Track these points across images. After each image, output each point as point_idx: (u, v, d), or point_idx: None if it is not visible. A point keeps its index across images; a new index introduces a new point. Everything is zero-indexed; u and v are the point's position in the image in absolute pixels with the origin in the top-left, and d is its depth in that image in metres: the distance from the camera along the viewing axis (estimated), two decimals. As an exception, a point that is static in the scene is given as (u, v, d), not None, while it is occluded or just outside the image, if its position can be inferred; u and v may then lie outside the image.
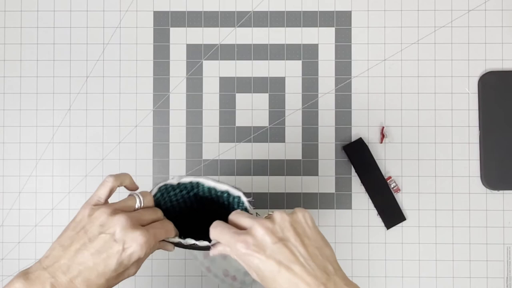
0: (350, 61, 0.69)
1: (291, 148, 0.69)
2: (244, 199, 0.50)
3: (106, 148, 0.69)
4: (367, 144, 0.68)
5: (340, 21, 0.70)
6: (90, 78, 0.70)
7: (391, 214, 0.68)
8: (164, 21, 0.70)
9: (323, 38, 0.69)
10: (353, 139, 0.68)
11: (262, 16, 0.70)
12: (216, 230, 0.46)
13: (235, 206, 0.51)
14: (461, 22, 0.69)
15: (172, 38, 0.70)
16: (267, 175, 0.69)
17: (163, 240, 0.49)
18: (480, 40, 0.69)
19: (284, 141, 0.69)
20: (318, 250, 0.43)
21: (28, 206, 0.69)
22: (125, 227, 0.44)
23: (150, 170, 0.69)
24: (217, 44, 0.70)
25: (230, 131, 0.69)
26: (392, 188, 0.68)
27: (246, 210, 0.50)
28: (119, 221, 0.45)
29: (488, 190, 0.68)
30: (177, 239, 0.49)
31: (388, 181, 0.68)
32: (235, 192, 0.50)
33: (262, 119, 0.69)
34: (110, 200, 0.48)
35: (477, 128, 0.68)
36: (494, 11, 0.69)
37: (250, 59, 0.69)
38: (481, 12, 0.69)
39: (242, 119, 0.69)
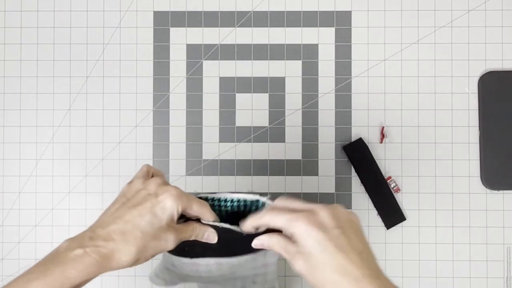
0: (350, 61, 0.69)
1: (291, 148, 0.69)
2: (263, 199, 0.49)
3: (106, 148, 0.69)
4: (367, 144, 0.68)
5: (340, 21, 0.70)
6: (90, 78, 0.70)
7: (391, 214, 0.68)
8: (164, 21, 0.70)
9: (323, 38, 0.69)
10: (353, 139, 0.68)
11: (262, 16, 0.70)
12: (273, 212, 0.46)
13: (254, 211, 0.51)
14: (461, 22, 0.69)
15: (172, 38, 0.70)
16: (267, 175, 0.69)
17: (202, 224, 0.48)
18: (480, 40, 0.69)
19: (284, 141, 0.69)
20: (369, 249, 0.44)
21: (28, 206, 0.69)
22: (159, 183, 0.46)
23: (150, 170, 0.69)
24: (217, 44, 0.70)
25: (230, 131, 0.69)
26: (392, 188, 0.68)
27: (257, 205, 0.50)
28: (155, 180, 0.47)
29: (488, 190, 0.68)
30: (212, 222, 0.47)
31: (388, 181, 0.68)
32: (251, 197, 0.50)
33: (262, 119, 0.69)
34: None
35: (477, 128, 0.68)
36: (494, 11, 0.69)
37: (250, 59, 0.69)
38: (481, 12, 0.69)
39: (242, 119, 0.69)
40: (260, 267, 0.51)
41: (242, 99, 0.69)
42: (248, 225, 0.47)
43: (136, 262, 0.45)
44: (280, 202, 0.47)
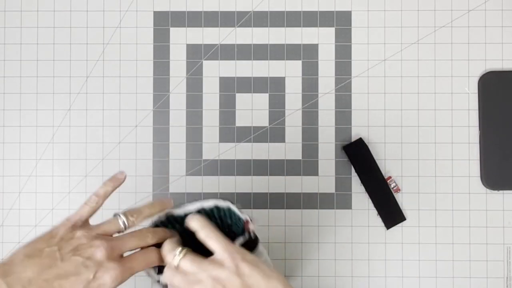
0: (350, 61, 0.69)
1: (291, 148, 0.69)
2: (234, 208, 0.48)
3: (106, 148, 0.69)
4: (367, 144, 0.68)
5: (340, 21, 0.70)
6: (90, 78, 0.70)
7: (391, 214, 0.68)
8: (164, 21, 0.70)
9: (323, 38, 0.69)
10: (353, 139, 0.68)
11: (262, 16, 0.70)
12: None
13: (228, 220, 0.50)
14: (461, 22, 0.69)
15: (172, 38, 0.70)
16: (267, 175, 0.69)
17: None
18: (480, 40, 0.69)
19: (284, 141, 0.69)
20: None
21: (28, 206, 0.69)
22: (100, 255, 0.42)
23: (150, 170, 0.69)
24: (217, 44, 0.70)
25: (230, 131, 0.69)
26: (392, 188, 0.68)
27: (239, 219, 0.48)
28: (97, 247, 0.42)
29: (488, 190, 0.68)
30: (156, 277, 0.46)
31: (388, 181, 0.68)
32: (223, 204, 0.48)
33: (262, 119, 0.69)
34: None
35: (477, 128, 0.68)
36: (494, 11, 0.69)
37: (250, 59, 0.69)
38: (481, 12, 0.69)
39: (242, 119, 0.69)
40: None
41: (242, 99, 0.69)
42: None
43: None
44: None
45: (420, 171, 0.68)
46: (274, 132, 0.69)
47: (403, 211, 0.68)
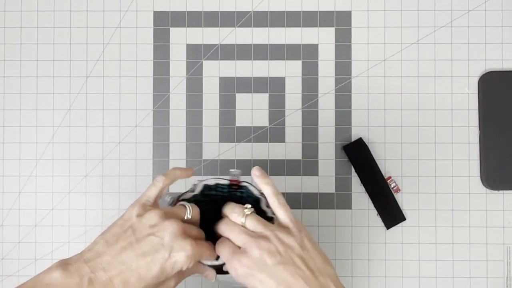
0: (350, 61, 0.69)
1: (291, 148, 0.69)
2: (251, 188, 0.49)
3: (106, 148, 0.69)
4: (367, 144, 0.68)
5: (340, 21, 0.70)
6: (90, 78, 0.70)
7: (391, 214, 0.68)
8: (164, 21, 0.70)
9: (323, 38, 0.69)
10: (353, 139, 0.68)
11: (262, 16, 0.70)
12: (218, 247, 0.45)
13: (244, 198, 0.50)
14: (461, 22, 0.69)
15: (172, 38, 0.70)
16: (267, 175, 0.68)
17: (201, 263, 0.47)
18: (480, 40, 0.69)
19: (284, 141, 0.69)
20: (319, 270, 0.43)
21: (28, 206, 0.69)
22: (176, 233, 0.43)
23: (150, 170, 0.69)
24: (217, 44, 0.70)
25: (230, 131, 0.69)
26: (392, 188, 0.68)
27: (256, 200, 0.49)
28: (171, 226, 0.43)
29: (488, 190, 0.68)
30: (216, 263, 0.47)
31: (388, 181, 0.68)
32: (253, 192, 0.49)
33: (262, 119, 0.69)
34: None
35: (477, 128, 0.68)
36: (494, 11, 0.69)
37: (250, 59, 0.69)
38: (481, 12, 0.69)
39: (242, 119, 0.69)
40: None
41: (242, 99, 0.69)
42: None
43: None
44: (224, 229, 0.46)
45: (420, 171, 0.68)
46: (274, 132, 0.69)
47: (403, 211, 0.68)
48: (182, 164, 0.69)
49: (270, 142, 0.69)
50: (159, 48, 0.70)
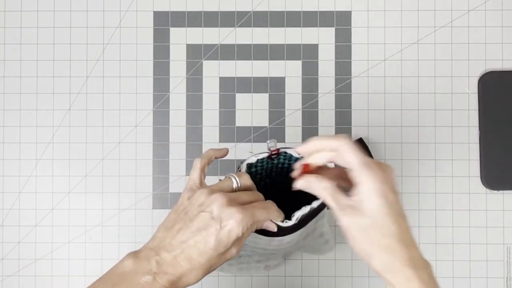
0: (350, 61, 0.69)
1: (291, 148, 0.69)
2: (290, 151, 0.50)
3: (106, 148, 0.69)
4: (367, 144, 0.68)
5: (340, 21, 0.70)
6: (90, 78, 0.70)
7: (391, 214, 0.67)
8: (164, 21, 0.70)
9: (323, 38, 0.69)
10: (353, 139, 0.68)
11: (262, 16, 0.70)
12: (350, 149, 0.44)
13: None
14: (461, 22, 0.69)
15: (172, 38, 0.70)
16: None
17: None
18: (480, 40, 0.69)
19: (284, 141, 0.69)
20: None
21: (28, 206, 0.69)
22: (221, 204, 0.45)
23: (150, 170, 0.69)
24: (217, 44, 0.70)
25: (230, 131, 0.69)
26: (392, 188, 0.68)
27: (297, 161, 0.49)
28: (216, 199, 0.45)
29: (488, 190, 0.68)
30: (279, 221, 0.48)
31: (388, 181, 0.68)
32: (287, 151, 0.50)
33: (262, 119, 0.69)
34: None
35: (477, 128, 0.68)
36: (494, 11, 0.69)
37: (250, 59, 0.69)
38: (481, 12, 0.69)
39: (242, 119, 0.69)
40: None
41: (242, 99, 0.69)
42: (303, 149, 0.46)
43: (203, 278, 0.46)
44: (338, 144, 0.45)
45: (420, 171, 0.68)
46: (274, 132, 0.69)
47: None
48: (182, 165, 0.69)
49: (270, 142, 0.69)
50: (159, 48, 0.70)
